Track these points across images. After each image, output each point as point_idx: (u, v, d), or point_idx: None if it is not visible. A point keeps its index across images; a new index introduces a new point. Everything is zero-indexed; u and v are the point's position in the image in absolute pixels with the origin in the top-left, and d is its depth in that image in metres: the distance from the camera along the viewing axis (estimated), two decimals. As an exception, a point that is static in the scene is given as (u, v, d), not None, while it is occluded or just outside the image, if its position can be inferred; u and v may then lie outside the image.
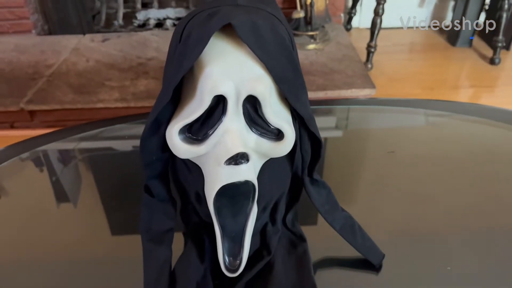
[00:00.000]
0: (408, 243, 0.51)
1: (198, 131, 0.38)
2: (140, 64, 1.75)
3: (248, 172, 0.38)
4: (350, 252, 0.49)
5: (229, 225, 0.42)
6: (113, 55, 1.81)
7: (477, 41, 2.22)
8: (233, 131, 0.37)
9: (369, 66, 2.01)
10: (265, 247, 0.47)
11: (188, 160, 0.42)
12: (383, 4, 1.88)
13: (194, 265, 0.45)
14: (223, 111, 0.37)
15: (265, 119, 0.37)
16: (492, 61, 2.06)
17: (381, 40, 2.06)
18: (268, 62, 0.36)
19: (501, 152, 0.67)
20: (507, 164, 0.64)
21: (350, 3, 2.24)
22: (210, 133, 0.37)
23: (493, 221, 0.54)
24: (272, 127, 0.38)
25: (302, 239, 0.49)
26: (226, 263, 0.43)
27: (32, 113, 1.59)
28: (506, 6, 1.94)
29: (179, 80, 0.37)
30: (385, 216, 0.55)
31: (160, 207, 0.47)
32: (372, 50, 1.99)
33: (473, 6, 2.08)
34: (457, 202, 0.57)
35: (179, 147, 0.38)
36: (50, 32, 2.08)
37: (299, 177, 0.49)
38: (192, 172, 0.43)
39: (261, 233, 0.48)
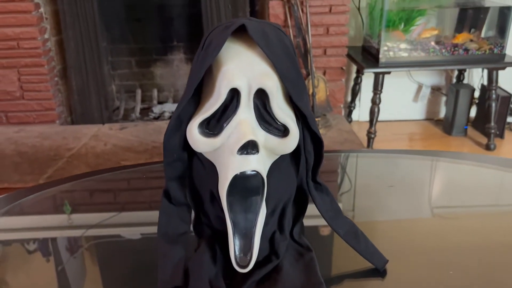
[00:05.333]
0: (411, 253, 0.54)
1: (214, 127, 0.45)
2: (155, 147, 1.87)
3: (258, 163, 0.44)
4: (355, 262, 0.51)
5: (240, 222, 0.46)
6: (130, 140, 1.94)
7: (471, 131, 2.35)
8: (245, 121, 0.43)
9: (371, 151, 2.11)
10: (274, 253, 0.50)
11: (204, 158, 0.48)
12: (380, 94, 2.06)
13: (206, 265, 0.48)
14: (237, 104, 0.44)
15: (272, 114, 0.44)
16: (487, 147, 2.15)
17: (381, 130, 2.19)
18: (276, 61, 0.44)
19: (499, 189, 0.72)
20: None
21: (349, 97, 2.43)
22: (225, 125, 0.44)
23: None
24: (278, 123, 0.45)
25: (308, 249, 0.52)
26: (237, 259, 0.46)
27: (49, 189, 1.66)
28: (493, 96, 2.10)
29: (201, 78, 0.45)
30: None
31: (176, 212, 0.52)
32: (372, 136, 2.11)
33: (463, 100, 2.25)
34: (458, 226, 0.61)
35: (198, 140, 0.45)
36: (73, 123, 2.24)
37: (304, 189, 0.54)
38: (207, 170, 0.49)
39: (270, 240, 0.51)
